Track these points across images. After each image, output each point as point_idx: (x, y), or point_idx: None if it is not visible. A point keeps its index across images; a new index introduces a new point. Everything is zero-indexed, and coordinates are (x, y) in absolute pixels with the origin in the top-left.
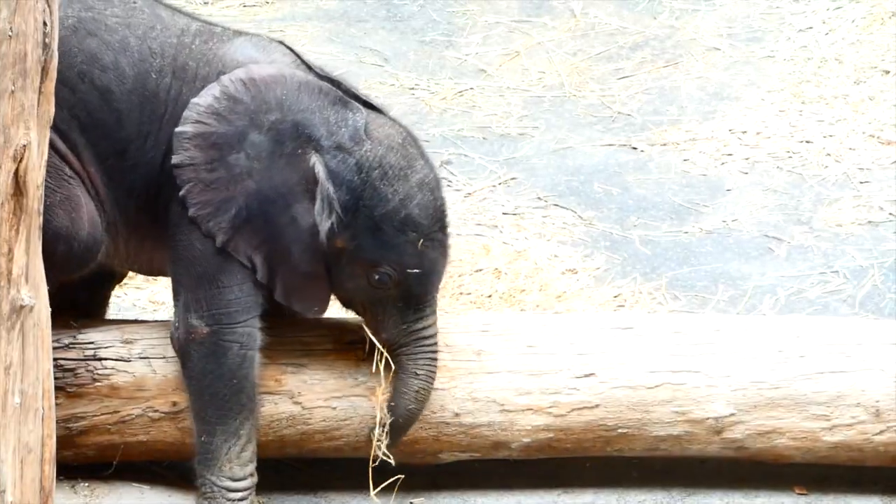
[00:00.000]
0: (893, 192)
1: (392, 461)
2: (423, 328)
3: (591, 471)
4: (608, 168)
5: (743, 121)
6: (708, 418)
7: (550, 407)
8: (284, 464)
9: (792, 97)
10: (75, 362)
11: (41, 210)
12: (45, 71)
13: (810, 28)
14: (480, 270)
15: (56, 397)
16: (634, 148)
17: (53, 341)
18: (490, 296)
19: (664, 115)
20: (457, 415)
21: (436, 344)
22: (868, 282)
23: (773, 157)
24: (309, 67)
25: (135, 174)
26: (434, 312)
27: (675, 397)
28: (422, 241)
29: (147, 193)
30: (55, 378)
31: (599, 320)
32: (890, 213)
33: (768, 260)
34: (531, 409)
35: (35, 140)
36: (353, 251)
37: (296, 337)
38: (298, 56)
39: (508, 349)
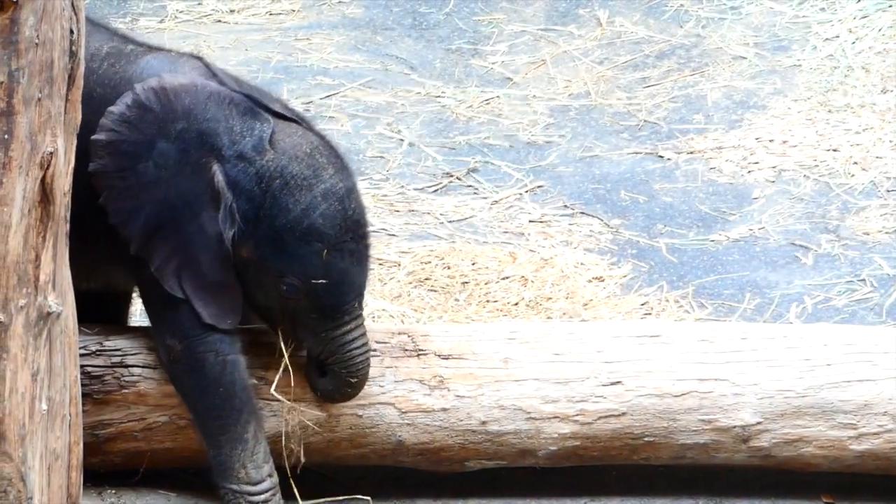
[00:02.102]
0: None
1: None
2: (344, 334)
3: (618, 479)
4: (634, 176)
5: (769, 129)
6: (735, 427)
7: (577, 415)
8: (313, 470)
9: (818, 106)
10: (102, 369)
11: (68, 217)
12: (71, 78)
13: (837, 37)
14: (507, 278)
15: (83, 404)
16: (661, 156)
17: (80, 348)
18: (516, 303)
19: (690, 123)
20: (483, 423)
21: (362, 346)
22: (895, 291)
23: (800, 166)
24: (221, 81)
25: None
26: (357, 318)
27: (702, 405)
28: (326, 251)
29: (93, 217)
30: (82, 385)
31: (626, 328)
32: None
33: (795, 268)
34: (558, 417)
35: (62, 147)
36: (258, 261)
37: None
38: (210, 69)
39: (535, 357)
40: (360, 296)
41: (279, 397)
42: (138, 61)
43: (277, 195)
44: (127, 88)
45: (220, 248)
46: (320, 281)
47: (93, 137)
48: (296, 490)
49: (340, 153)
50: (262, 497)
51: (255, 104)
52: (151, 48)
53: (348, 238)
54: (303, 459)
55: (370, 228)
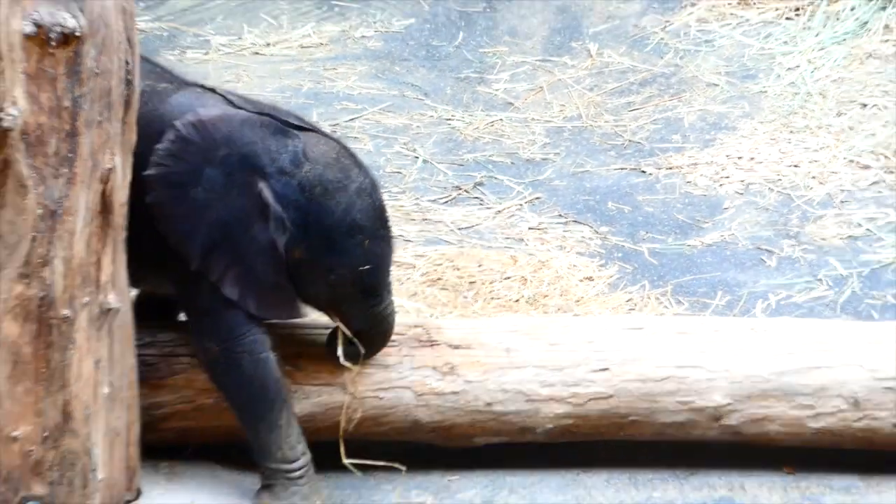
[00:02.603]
0: (870, 210)
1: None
2: (382, 309)
3: (606, 453)
4: (620, 189)
5: (738, 148)
6: (708, 407)
7: (570, 397)
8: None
9: (781, 127)
10: (156, 358)
11: (125, 225)
12: (127, 103)
13: (797, 67)
14: (509, 278)
15: (140, 388)
16: (643, 171)
17: (136, 340)
18: (517, 300)
19: (669, 142)
20: (489, 404)
21: (393, 317)
22: (848, 289)
23: (765, 180)
24: (239, 107)
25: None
26: (389, 293)
27: (680, 389)
28: (367, 241)
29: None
30: (139, 371)
31: (613, 322)
32: (867, 229)
33: (761, 269)
34: (554, 399)
35: (119, 164)
36: (310, 260)
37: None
38: (227, 98)
39: (534, 347)
40: (390, 272)
41: (347, 364)
42: (168, 100)
43: (320, 201)
44: (160, 125)
45: (273, 254)
46: (365, 267)
47: (145, 173)
48: (342, 449)
49: (354, 152)
50: (298, 472)
51: (279, 122)
52: (179, 85)
53: (380, 226)
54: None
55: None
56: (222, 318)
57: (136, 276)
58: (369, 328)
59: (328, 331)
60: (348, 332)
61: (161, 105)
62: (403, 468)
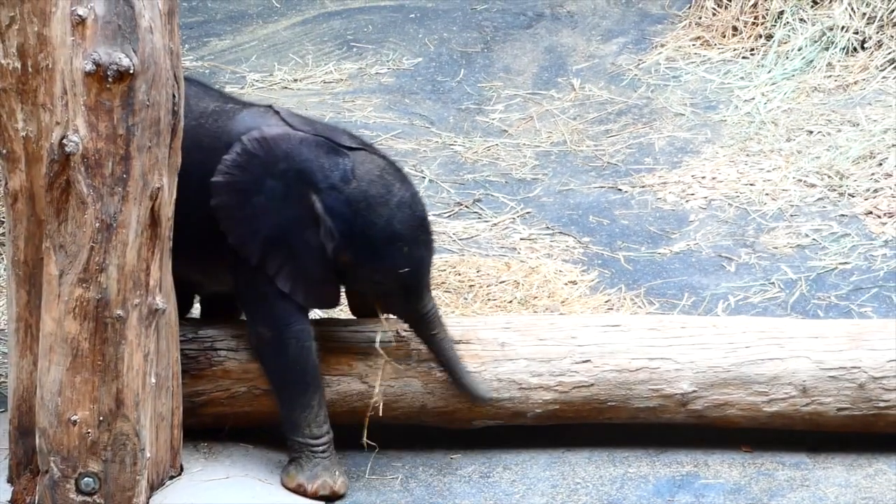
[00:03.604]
0: (816, 222)
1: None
2: (423, 306)
3: (588, 434)
4: (600, 204)
5: (702, 169)
6: (676, 394)
7: (557, 386)
8: (354, 428)
9: (739, 151)
10: (197, 352)
11: (171, 237)
12: (174, 131)
13: (753, 99)
14: (503, 282)
15: (182, 378)
16: (620, 189)
17: (180, 336)
18: (510, 301)
19: (642, 164)
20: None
21: (437, 312)
22: (797, 291)
23: (725, 196)
24: (295, 127)
25: (188, 230)
26: (430, 291)
27: (651, 378)
28: (407, 247)
29: (204, 239)
30: (181, 363)
31: (594, 320)
32: (813, 239)
33: (721, 274)
34: (542, 387)
35: (166, 184)
36: (356, 264)
37: (363, 333)
38: (285, 119)
39: (525, 342)
40: (430, 270)
41: (380, 351)
42: (235, 117)
43: (365, 214)
44: (227, 139)
45: (322, 255)
46: (405, 270)
47: (212, 180)
48: (365, 430)
49: (399, 167)
50: (322, 448)
51: (332, 142)
52: (244, 106)
53: (420, 233)
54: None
55: (431, 221)
56: (276, 307)
57: (197, 280)
58: (415, 320)
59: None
60: (385, 323)
61: (230, 122)
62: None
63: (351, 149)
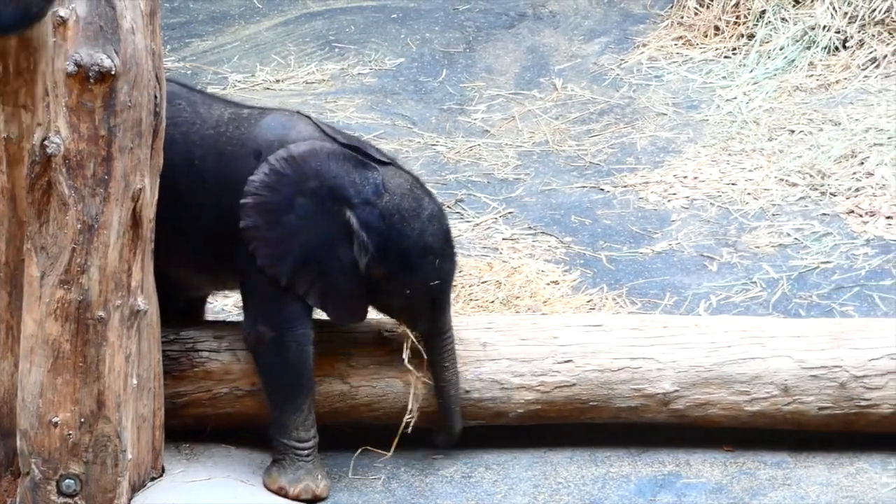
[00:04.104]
0: (798, 222)
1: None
2: (445, 322)
3: (570, 433)
4: (582, 204)
5: (684, 168)
6: (658, 393)
7: (538, 385)
8: (337, 429)
9: (721, 150)
10: (178, 353)
11: (152, 238)
12: (155, 132)
13: (735, 98)
14: (485, 282)
15: (164, 379)
16: (602, 189)
17: (162, 337)
18: (493, 301)
19: (624, 164)
20: (467, 391)
21: (453, 337)
22: (779, 290)
23: (707, 196)
24: (327, 134)
25: (197, 235)
26: (450, 307)
27: (633, 378)
28: (437, 260)
29: (212, 247)
30: (163, 365)
31: (576, 320)
32: (795, 238)
33: (703, 274)
34: (524, 387)
35: (148, 185)
36: (389, 277)
37: (345, 333)
38: (318, 126)
39: (506, 342)
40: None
41: (410, 367)
42: (259, 123)
43: (398, 227)
44: (255, 145)
45: (355, 271)
46: (435, 282)
47: (241, 201)
48: (398, 438)
49: (423, 182)
50: (307, 452)
51: (362, 155)
52: (263, 110)
53: (447, 247)
54: (415, 413)
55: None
56: (282, 309)
57: (192, 284)
58: (431, 338)
59: (331, 332)
60: (413, 339)
61: (253, 128)
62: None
63: (380, 162)
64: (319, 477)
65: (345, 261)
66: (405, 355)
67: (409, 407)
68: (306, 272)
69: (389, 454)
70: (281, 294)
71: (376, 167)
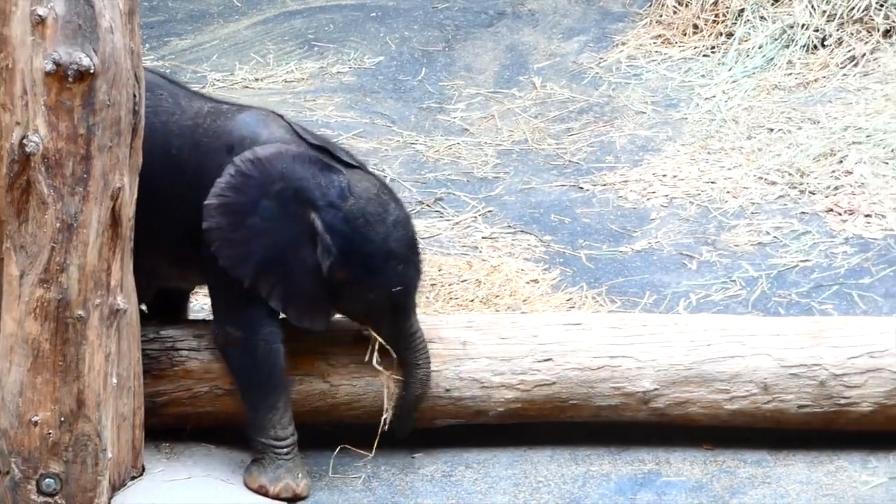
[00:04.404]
0: (777, 220)
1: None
2: (411, 325)
3: (550, 432)
4: (561, 203)
5: (663, 167)
6: (638, 392)
7: (518, 384)
8: (317, 428)
9: (700, 149)
10: (158, 352)
11: (131, 237)
12: (134, 131)
13: (714, 97)
14: (465, 281)
15: (143, 378)
16: (581, 188)
17: (141, 336)
18: (472, 300)
19: (604, 162)
20: (448, 390)
21: (423, 337)
22: (758, 288)
23: (686, 194)
24: (299, 136)
25: (173, 226)
26: (416, 312)
27: (613, 376)
28: (401, 266)
29: (187, 239)
30: (143, 364)
31: (555, 318)
32: (774, 237)
33: (683, 272)
34: (504, 386)
35: (127, 183)
36: (351, 281)
37: (325, 333)
38: (291, 126)
39: (486, 340)
40: (418, 293)
41: (379, 368)
42: (235, 118)
43: (362, 231)
44: (228, 139)
45: (317, 274)
46: (397, 288)
47: (205, 202)
48: (377, 439)
49: (391, 187)
50: (286, 450)
51: (329, 157)
52: (241, 107)
53: (412, 253)
54: (390, 412)
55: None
56: (248, 309)
57: (164, 274)
58: (400, 342)
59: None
60: (382, 340)
61: (229, 122)
62: None
63: (348, 165)
64: (300, 475)
65: (308, 263)
66: (371, 357)
67: (385, 406)
68: (269, 274)
69: (371, 455)
70: (246, 294)
71: (342, 171)
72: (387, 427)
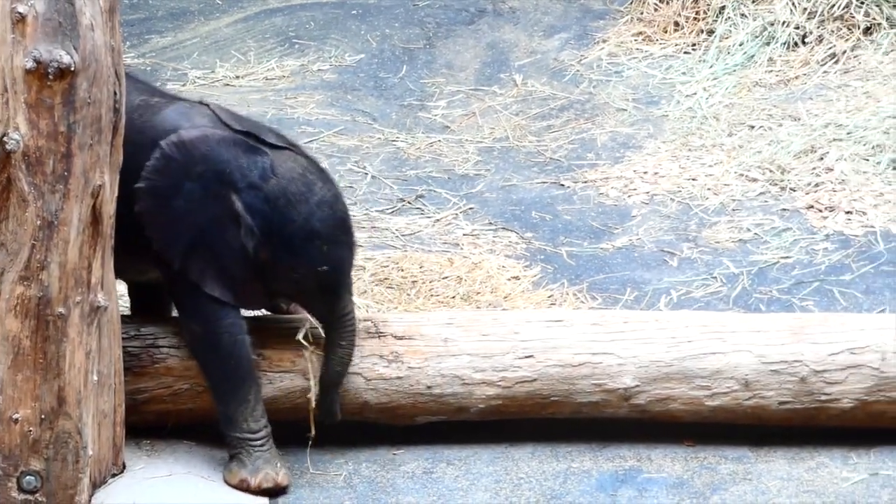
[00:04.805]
0: (758, 217)
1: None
2: (342, 308)
3: (531, 429)
4: (542, 200)
5: (644, 164)
6: (619, 389)
7: (500, 381)
8: (297, 424)
9: (681, 146)
10: (139, 349)
11: (112, 234)
12: (115, 129)
13: (694, 94)
14: (446, 278)
15: (124, 375)
16: (562, 185)
17: (122, 333)
18: (453, 297)
19: (585, 159)
20: (429, 387)
21: (353, 319)
22: (739, 285)
23: (667, 191)
24: (223, 123)
25: (126, 221)
26: (350, 294)
27: (594, 373)
28: (325, 246)
29: (140, 236)
30: (124, 361)
31: (536, 315)
32: (755, 233)
33: (664, 269)
34: (485, 383)
35: (108, 181)
36: (275, 261)
37: (304, 330)
38: (216, 115)
39: (468, 337)
40: (351, 272)
41: (304, 343)
42: (160, 113)
43: (283, 211)
44: (153, 134)
45: (244, 255)
46: (323, 268)
47: (135, 186)
48: (312, 417)
49: (323, 168)
50: (261, 442)
51: (254, 140)
52: (171, 100)
53: (339, 233)
54: (316, 388)
55: (353, 222)
56: (205, 302)
57: (137, 267)
58: (332, 323)
59: (292, 325)
60: (313, 320)
61: (155, 117)
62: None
63: (273, 147)
64: (279, 465)
65: (234, 245)
66: (299, 335)
67: (311, 384)
68: (197, 257)
69: (312, 433)
70: (199, 287)
71: (267, 152)
72: (314, 406)
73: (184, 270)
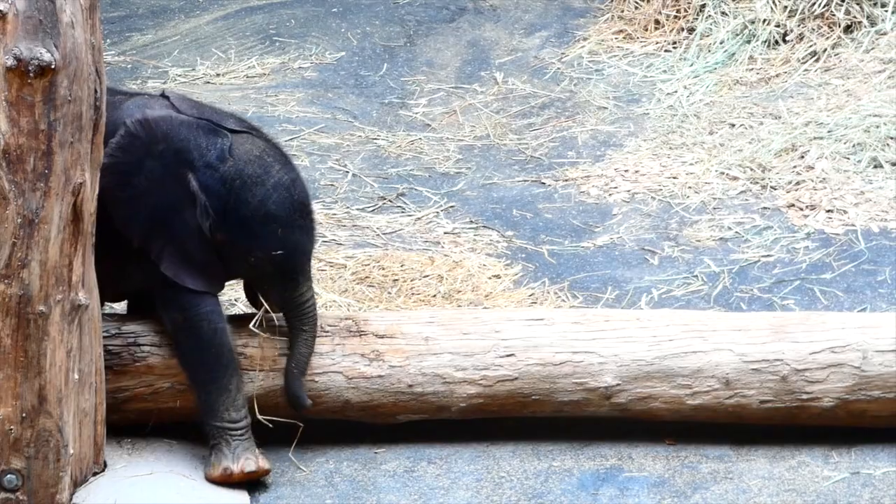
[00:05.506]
0: (738, 215)
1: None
2: (300, 294)
3: (513, 427)
4: (523, 198)
5: (625, 162)
6: (600, 387)
7: (481, 380)
8: (280, 423)
9: (662, 144)
10: (120, 347)
11: (93, 232)
12: (95, 126)
13: (675, 92)
14: (427, 276)
15: (105, 374)
16: (543, 183)
17: (103, 332)
18: (434, 295)
19: (565, 158)
20: (410, 386)
21: (313, 304)
22: (720, 283)
23: (648, 190)
24: (182, 112)
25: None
26: (308, 280)
27: (575, 371)
28: (281, 229)
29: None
30: (105, 359)
31: (517, 314)
32: (736, 232)
33: (645, 267)
34: (466, 382)
35: (88, 179)
36: (231, 243)
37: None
38: (174, 106)
39: (449, 336)
40: (310, 259)
41: (257, 331)
42: (121, 108)
43: (239, 192)
44: (112, 127)
45: (201, 236)
46: (279, 252)
47: (101, 163)
48: (255, 405)
49: (284, 152)
50: (240, 432)
51: (215, 125)
52: (130, 95)
53: (297, 216)
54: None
55: (313, 206)
56: (183, 291)
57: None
58: (288, 311)
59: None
60: (267, 306)
61: (115, 112)
62: (301, 425)
63: (234, 131)
64: (258, 452)
65: (191, 225)
66: (253, 324)
67: (257, 368)
68: (156, 235)
69: (256, 416)
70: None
71: (227, 135)
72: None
73: (145, 247)
